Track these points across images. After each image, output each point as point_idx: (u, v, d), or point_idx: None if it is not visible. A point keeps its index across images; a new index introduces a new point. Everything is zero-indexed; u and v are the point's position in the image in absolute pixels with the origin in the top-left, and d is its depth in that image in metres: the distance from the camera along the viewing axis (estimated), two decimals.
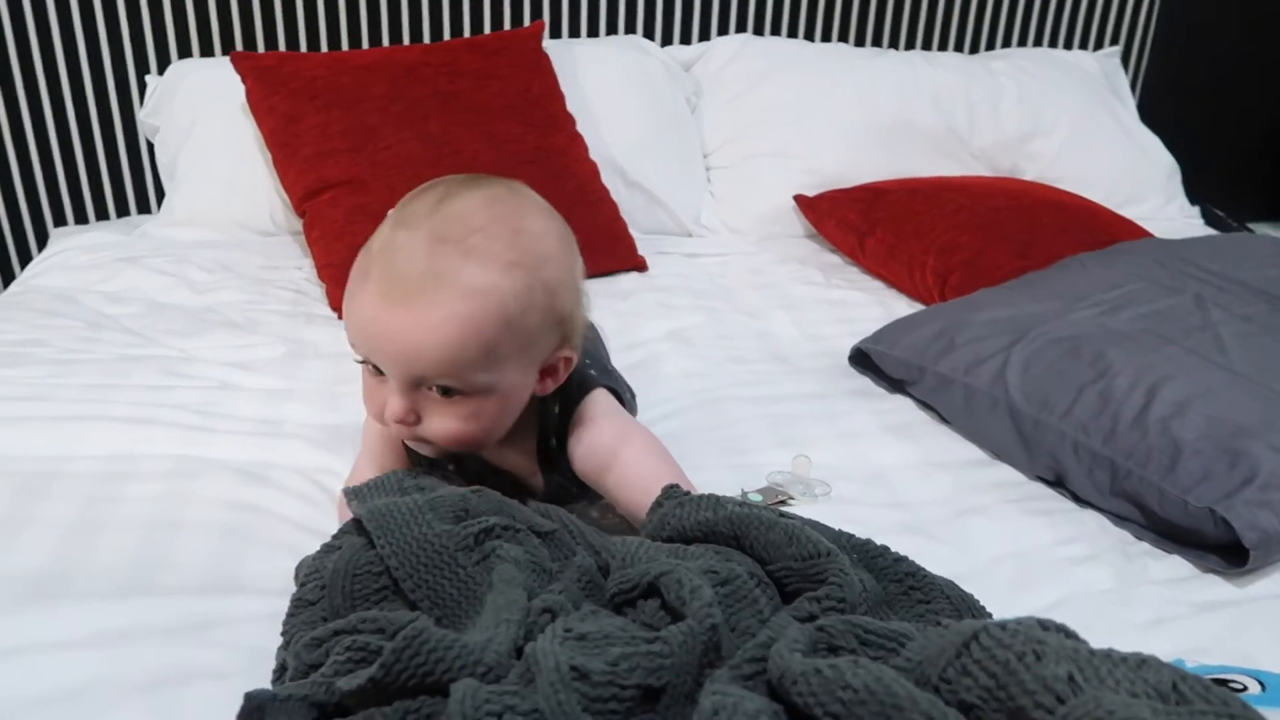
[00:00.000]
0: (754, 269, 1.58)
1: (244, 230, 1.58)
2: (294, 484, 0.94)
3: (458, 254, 0.69)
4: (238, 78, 1.55)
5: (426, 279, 0.69)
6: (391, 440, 0.86)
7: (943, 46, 2.05)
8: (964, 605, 0.63)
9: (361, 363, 0.75)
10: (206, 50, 1.74)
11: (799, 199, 1.69)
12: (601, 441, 0.80)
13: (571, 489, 0.85)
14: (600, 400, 0.83)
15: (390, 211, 0.74)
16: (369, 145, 1.42)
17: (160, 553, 0.83)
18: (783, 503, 0.92)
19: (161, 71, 1.70)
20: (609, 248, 1.50)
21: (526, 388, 0.77)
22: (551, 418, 0.82)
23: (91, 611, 0.75)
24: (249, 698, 0.56)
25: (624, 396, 0.88)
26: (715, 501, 0.67)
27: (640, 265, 1.53)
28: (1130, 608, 0.79)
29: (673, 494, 0.70)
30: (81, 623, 0.73)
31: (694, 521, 0.66)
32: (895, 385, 1.17)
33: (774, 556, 0.63)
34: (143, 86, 1.72)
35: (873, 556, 0.66)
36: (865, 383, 1.19)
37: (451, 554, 0.64)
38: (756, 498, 0.91)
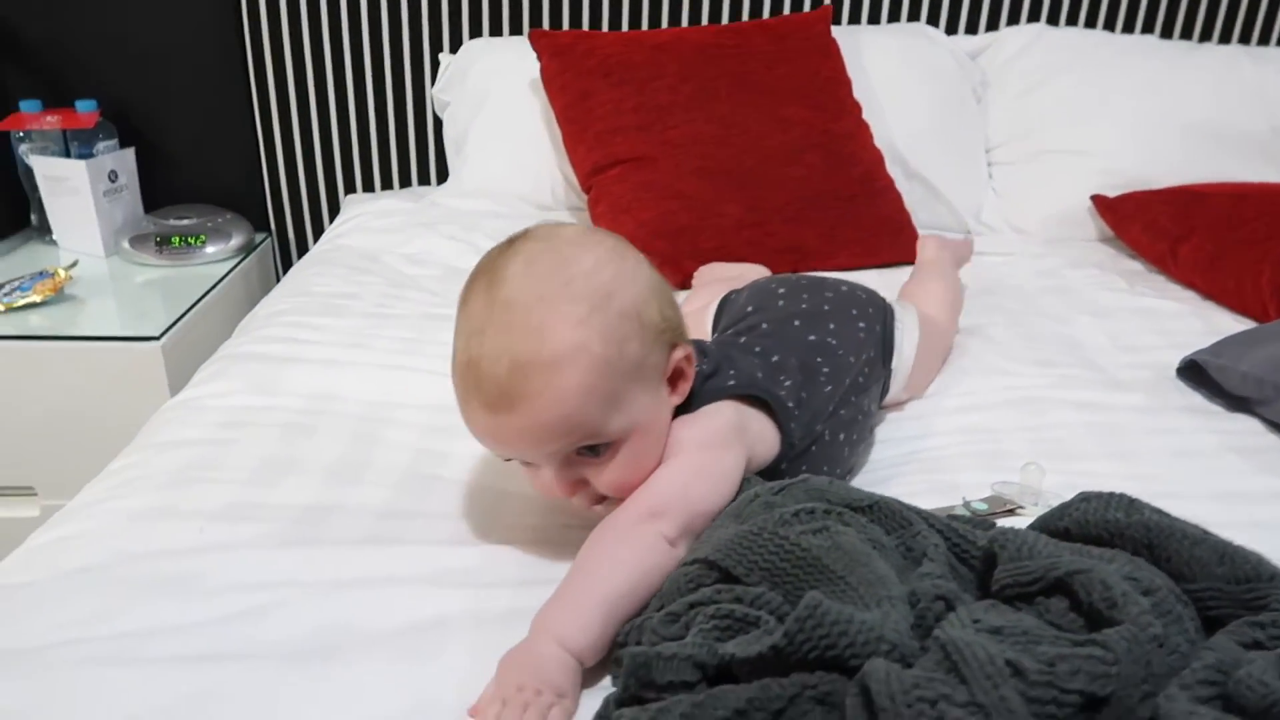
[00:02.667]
0: (1045, 271, 1.47)
1: (524, 204, 1.63)
2: None
3: (531, 336, 0.67)
4: (527, 58, 1.60)
5: (516, 376, 0.67)
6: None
7: (1264, 40, 1.85)
8: None
9: (508, 459, 0.75)
10: (496, 30, 1.81)
11: (1097, 200, 1.57)
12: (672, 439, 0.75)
13: None
14: (704, 412, 0.77)
15: (456, 325, 0.73)
16: (659, 124, 1.43)
17: (490, 506, 0.85)
18: (1011, 512, 0.84)
19: (454, 50, 1.78)
20: (892, 238, 1.44)
21: (664, 403, 0.75)
22: None
23: (431, 552, 0.78)
24: (632, 656, 0.55)
25: (788, 403, 0.81)
26: (1129, 503, 0.61)
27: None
28: None
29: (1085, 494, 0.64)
30: (423, 562, 0.76)
31: (1100, 519, 0.60)
32: (1236, 404, 1.05)
33: (1198, 574, 0.56)
34: (435, 64, 1.81)
35: None
36: (1198, 399, 1.08)
37: (770, 532, 0.61)
38: (981, 506, 0.83)
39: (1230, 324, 1.27)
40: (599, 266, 0.71)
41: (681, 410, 0.77)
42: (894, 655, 0.50)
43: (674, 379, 0.76)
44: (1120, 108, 1.64)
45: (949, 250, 1.35)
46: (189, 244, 1.78)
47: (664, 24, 1.79)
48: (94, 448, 1.08)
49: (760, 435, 0.79)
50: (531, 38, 1.57)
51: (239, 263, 1.81)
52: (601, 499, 0.75)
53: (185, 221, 1.82)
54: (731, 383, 0.80)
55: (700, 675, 0.53)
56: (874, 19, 1.81)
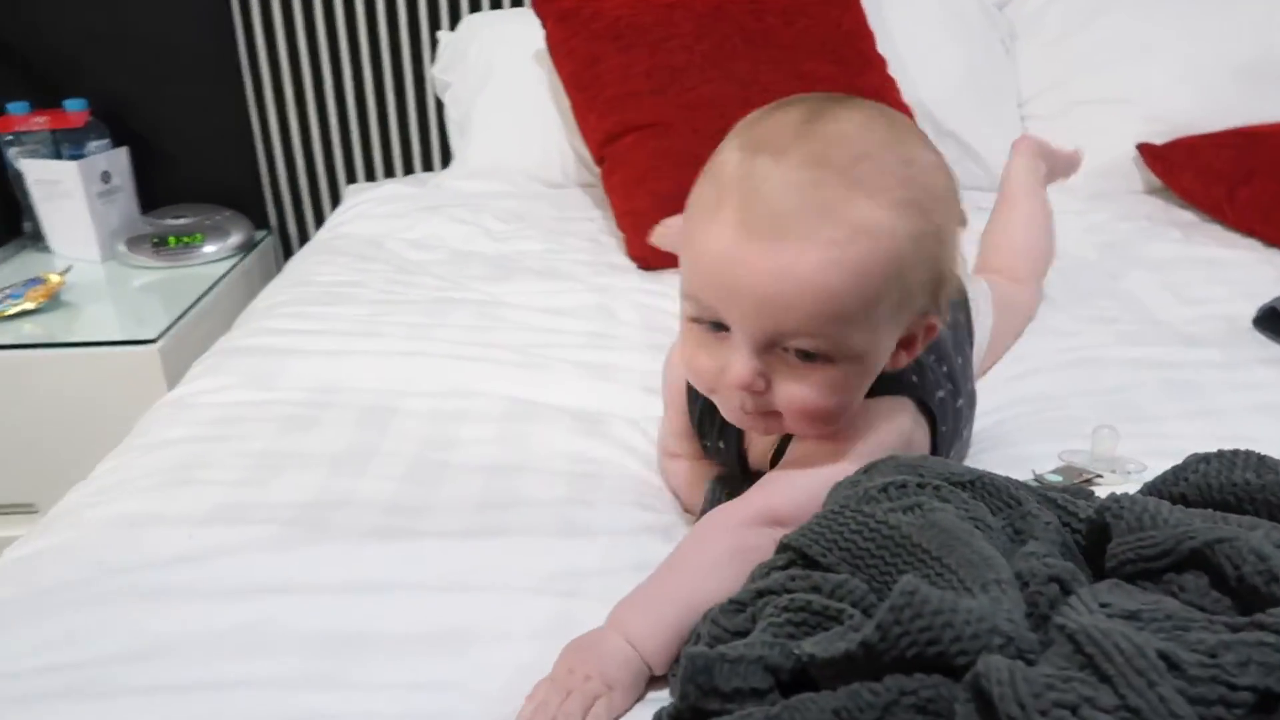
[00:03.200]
0: (1091, 227, 1.38)
1: (534, 182, 1.55)
2: (625, 432, 0.87)
3: (843, 183, 0.56)
4: (530, 29, 1.52)
5: (807, 211, 0.55)
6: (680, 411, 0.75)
7: None
8: None
9: (694, 319, 0.61)
10: (495, 4, 1.72)
11: (1143, 149, 1.47)
12: (816, 452, 0.64)
13: None
14: (884, 409, 0.65)
15: (732, 134, 0.61)
16: (674, 86, 1.34)
17: (507, 495, 0.77)
18: (1089, 483, 0.74)
19: (453, 27, 1.70)
20: None
21: (886, 359, 0.63)
22: None
23: (449, 549, 0.70)
24: (691, 658, 0.46)
25: (940, 426, 0.70)
26: (1258, 461, 0.52)
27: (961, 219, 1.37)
28: None
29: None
30: (441, 561, 0.68)
31: (1226, 482, 0.51)
32: None
33: None
34: (434, 44, 1.73)
35: None
36: (1278, 351, 0.99)
37: (854, 509, 0.52)
38: (1055, 478, 0.74)
39: None
40: (940, 170, 0.60)
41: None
42: (1009, 651, 0.41)
43: (904, 342, 0.64)
44: (1160, 51, 1.54)
45: (1046, 162, 1.17)
46: (186, 244, 1.71)
47: None
48: (94, 459, 1.01)
49: (919, 451, 0.68)
50: (534, 4, 1.49)
51: (239, 261, 1.74)
52: (766, 414, 0.62)
53: (182, 221, 1.74)
54: (915, 379, 0.68)
55: (772, 681, 0.45)
56: None
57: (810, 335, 0.57)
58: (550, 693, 0.52)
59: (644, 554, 0.66)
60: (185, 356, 1.41)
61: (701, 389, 0.64)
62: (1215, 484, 0.53)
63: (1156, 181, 1.48)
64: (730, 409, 0.63)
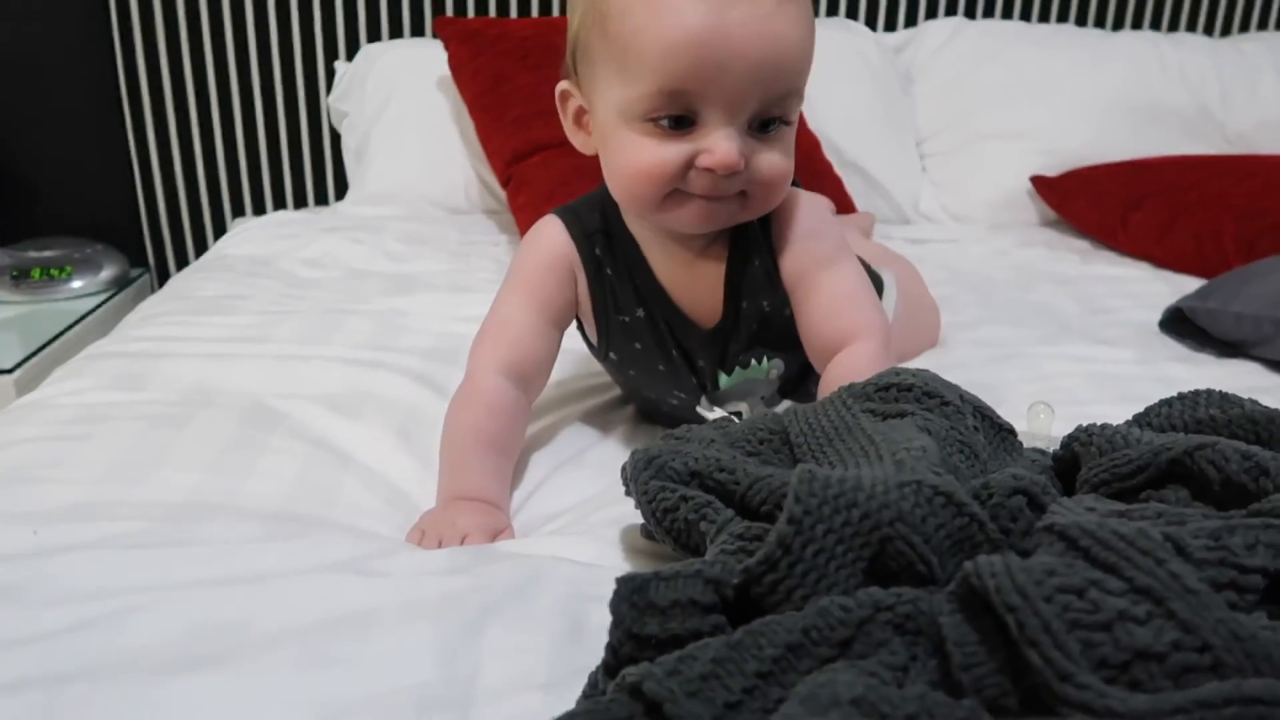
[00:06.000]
0: (997, 251, 1.41)
1: (436, 208, 1.49)
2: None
3: None
4: (431, 56, 1.49)
5: None
6: (560, 283, 0.75)
7: (1173, 27, 1.85)
8: None
9: (652, 119, 0.61)
10: (395, 33, 1.68)
11: (1037, 180, 1.52)
12: (816, 245, 0.71)
13: (766, 304, 0.71)
14: (807, 199, 0.74)
15: None
16: None
17: (405, 492, 0.70)
18: None
19: (350, 58, 1.65)
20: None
21: None
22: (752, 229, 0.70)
23: (344, 541, 0.62)
24: (622, 581, 0.41)
25: None
26: (1221, 398, 0.50)
27: None
28: None
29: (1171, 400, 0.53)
30: (335, 550, 0.60)
31: (1191, 419, 0.49)
32: (1224, 350, 0.97)
33: None
34: (330, 74, 1.67)
35: None
36: (1185, 350, 1.00)
37: (840, 398, 0.50)
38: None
39: (1194, 286, 1.21)
40: None
41: None
42: (924, 494, 0.38)
43: None
44: (1051, 91, 1.61)
45: (850, 227, 1.26)
46: (51, 276, 1.58)
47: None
48: None
49: None
50: (436, 25, 1.46)
51: (111, 296, 1.61)
52: (733, 196, 0.64)
53: (47, 254, 1.61)
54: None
55: (715, 598, 0.39)
56: None
57: (786, 97, 0.61)
58: None
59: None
60: None
61: (655, 192, 0.63)
62: (1180, 423, 0.50)
63: (1051, 215, 1.53)
64: (692, 210, 0.63)
